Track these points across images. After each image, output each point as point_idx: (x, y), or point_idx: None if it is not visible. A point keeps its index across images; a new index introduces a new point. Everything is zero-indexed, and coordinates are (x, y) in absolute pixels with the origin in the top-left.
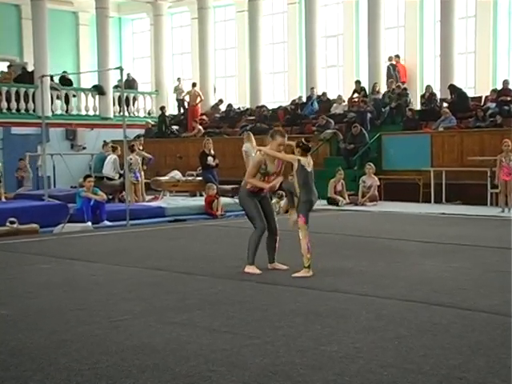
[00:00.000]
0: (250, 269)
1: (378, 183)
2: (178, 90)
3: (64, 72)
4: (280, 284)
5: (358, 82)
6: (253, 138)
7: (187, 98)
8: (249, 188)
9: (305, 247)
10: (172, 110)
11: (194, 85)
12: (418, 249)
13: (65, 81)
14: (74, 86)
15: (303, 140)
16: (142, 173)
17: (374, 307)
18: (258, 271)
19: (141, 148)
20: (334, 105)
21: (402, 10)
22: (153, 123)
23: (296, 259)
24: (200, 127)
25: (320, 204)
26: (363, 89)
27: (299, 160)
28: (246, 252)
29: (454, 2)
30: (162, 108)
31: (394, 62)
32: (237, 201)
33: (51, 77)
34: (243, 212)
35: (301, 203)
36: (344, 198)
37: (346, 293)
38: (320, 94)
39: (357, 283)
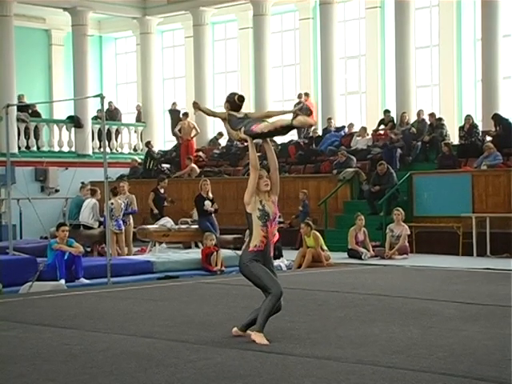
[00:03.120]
0: (258, 337)
1: (409, 232)
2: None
3: (20, 100)
4: (292, 354)
5: (386, 112)
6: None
7: (179, 132)
8: (251, 248)
9: None
10: (162, 145)
11: (186, 115)
12: (458, 312)
13: (34, 112)
14: (46, 117)
15: (236, 98)
16: (131, 219)
17: (406, 382)
18: (266, 342)
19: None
20: (357, 138)
21: (435, 26)
22: (140, 161)
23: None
24: (194, 166)
25: (339, 257)
26: (392, 119)
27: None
28: (258, 318)
29: (496, 18)
30: (148, 143)
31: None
32: (239, 256)
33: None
34: (250, 282)
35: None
36: (368, 250)
37: (372, 365)
38: (339, 125)
39: (385, 353)
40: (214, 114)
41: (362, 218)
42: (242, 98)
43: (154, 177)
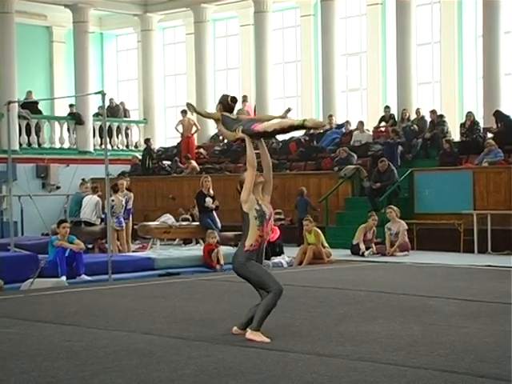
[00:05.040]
0: (255, 336)
1: (406, 227)
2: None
3: (28, 97)
4: (293, 351)
5: (387, 108)
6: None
7: (180, 129)
8: (247, 248)
9: None
10: (163, 142)
11: (184, 112)
12: (458, 309)
13: (34, 108)
14: (47, 113)
15: (229, 99)
16: (131, 216)
17: (406, 380)
18: (266, 339)
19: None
20: (355, 133)
21: (436, 23)
22: (140, 158)
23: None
24: (195, 164)
25: (340, 254)
26: (392, 116)
27: (222, 115)
28: (255, 315)
29: (497, 14)
30: (147, 141)
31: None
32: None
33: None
34: (248, 282)
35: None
36: (371, 248)
37: (373, 362)
38: (340, 122)
39: (386, 350)
40: (208, 116)
41: (376, 218)
42: (234, 100)
43: (153, 174)
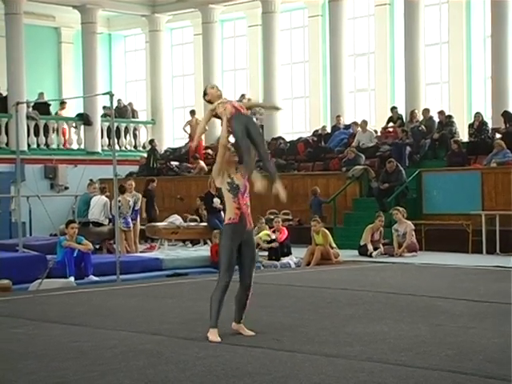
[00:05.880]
0: (210, 334)
1: (413, 227)
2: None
3: (40, 98)
4: (300, 352)
5: (394, 109)
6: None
7: (188, 129)
8: (227, 221)
9: None
10: (171, 142)
11: (193, 113)
12: (466, 309)
13: (46, 109)
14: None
15: None
16: (139, 217)
17: (414, 380)
18: (217, 339)
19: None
20: (358, 132)
21: (444, 23)
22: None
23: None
24: (203, 164)
25: (348, 255)
26: (400, 117)
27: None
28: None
29: (506, 15)
30: (152, 141)
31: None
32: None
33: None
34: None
35: None
36: (379, 248)
37: (381, 362)
38: (348, 123)
39: (393, 350)
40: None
41: (383, 219)
42: None
43: (160, 175)
